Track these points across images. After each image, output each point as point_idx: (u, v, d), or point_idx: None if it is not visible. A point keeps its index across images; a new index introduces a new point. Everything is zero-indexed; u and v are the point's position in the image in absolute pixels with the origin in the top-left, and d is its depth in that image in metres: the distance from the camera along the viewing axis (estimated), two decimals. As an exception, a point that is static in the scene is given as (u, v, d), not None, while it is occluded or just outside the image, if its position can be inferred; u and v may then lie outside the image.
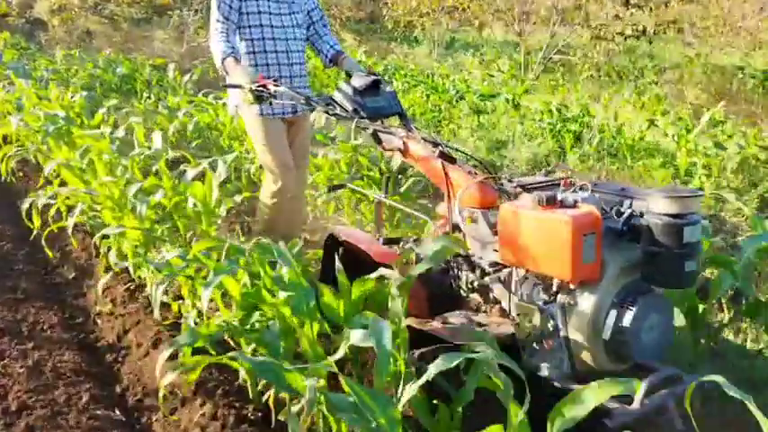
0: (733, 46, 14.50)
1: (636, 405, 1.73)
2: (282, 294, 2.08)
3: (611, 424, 1.66)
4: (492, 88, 7.97)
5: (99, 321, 3.21)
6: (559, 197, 1.90)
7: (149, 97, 7.47)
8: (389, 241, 2.69)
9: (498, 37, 16.90)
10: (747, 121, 7.98)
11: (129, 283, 3.43)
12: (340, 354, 1.84)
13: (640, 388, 1.68)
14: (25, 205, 3.73)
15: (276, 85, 2.83)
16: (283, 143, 3.45)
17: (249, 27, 3.32)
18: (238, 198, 3.55)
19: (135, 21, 18.82)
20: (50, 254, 3.78)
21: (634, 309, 1.83)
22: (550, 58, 12.54)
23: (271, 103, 2.98)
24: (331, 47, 3.52)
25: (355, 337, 1.78)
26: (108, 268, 3.48)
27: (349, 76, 3.18)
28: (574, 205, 1.88)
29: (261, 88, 2.81)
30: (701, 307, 2.53)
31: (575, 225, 1.78)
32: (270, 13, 3.36)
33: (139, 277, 3.39)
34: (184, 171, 3.68)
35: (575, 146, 6.20)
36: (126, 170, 3.66)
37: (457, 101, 7.43)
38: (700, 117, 8.63)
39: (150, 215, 3.24)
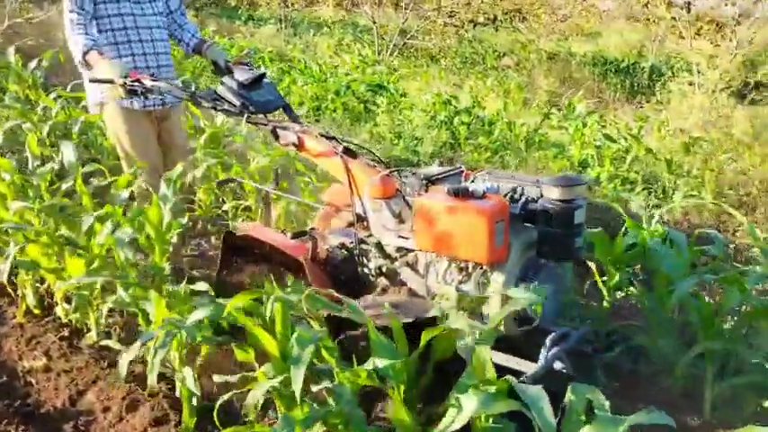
0: (558, 33, 15.78)
1: (541, 362, 2.06)
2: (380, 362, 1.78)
3: (528, 382, 1.80)
4: (371, 77, 7.85)
5: (33, 381, 2.61)
6: (470, 188, 2.10)
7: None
8: (297, 235, 2.65)
9: (339, 17, 16.88)
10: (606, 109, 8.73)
11: (62, 329, 2.88)
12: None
13: (543, 349, 2.05)
14: None
15: (153, 79, 2.74)
16: (150, 141, 3.28)
17: (109, 17, 3.11)
18: (183, 219, 3.06)
19: None
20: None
21: (535, 281, 2.11)
22: (404, 44, 12.72)
23: (147, 98, 2.84)
24: (192, 35, 3.40)
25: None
26: (27, 312, 2.91)
27: (215, 65, 3.14)
28: (483, 196, 2.10)
29: (135, 83, 2.70)
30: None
31: (490, 214, 2.00)
32: (129, 1, 3.17)
33: (80, 323, 2.86)
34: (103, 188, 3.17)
35: (469, 137, 6.32)
36: (37, 192, 3.05)
37: (344, 91, 7.21)
38: (556, 104, 9.36)
39: (98, 250, 2.71)
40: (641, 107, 10.52)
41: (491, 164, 5.77)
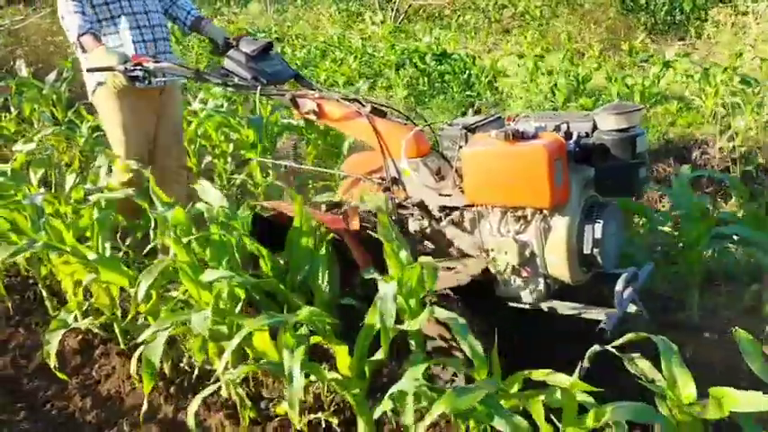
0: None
1: (618, 306, 1.96)
2: None
3: (608, 328, 1.88)
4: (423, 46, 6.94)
5: None
6: (521, 130, 1.93)
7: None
8: (331, 207, 2.58)
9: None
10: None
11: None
12: None
13: (617, 293, 1.95)
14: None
15: (156, 61, 2.59)
16: (141, 127, 3.05)
17: (107, 3, 2.91)
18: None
19: None
20: None
21: (601, 221, 1.96)
22: (410, 6, 11.79)
23: (150, 82, 2.74)
24: (188, 13, 3.20)
25: None
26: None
27: (214, 44, 3.01)
28: (536, 135, 1.94)
29: (137, 67, 2.53)
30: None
31: (548, 152, 1.85)
32: None
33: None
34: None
35: (569, 100, 5.52)
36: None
37: (400, 66, 6.33)
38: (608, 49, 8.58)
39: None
40: (682, 44, 9.79)
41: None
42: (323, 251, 2.20)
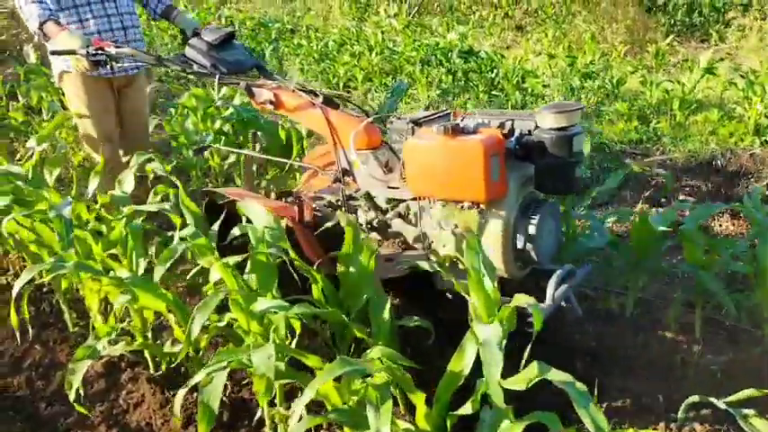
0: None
1: (548, 302, 1.95)
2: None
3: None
4: (446, 41, 6.67)
5: None
6: (461, 125, 1.96)
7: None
8: (281, 195, 2.61)
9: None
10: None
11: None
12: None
13: (549, 286, 1.96)
14: None
15: (117, 47, 2.63)
16: (109, 111, 3.12)
17: None
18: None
19: None
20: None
21: (536, 218, 2.00)
22: (425, -1, 11.48)
23: (112, 68, 2.76)
24: (159, 1, 3.16)
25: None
26: None
27: (183, 33, 3.01)
28: (475, 131, 1.97)
29: (99, 51, 2.57)
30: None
31: (484, 148, 1.86)
32: None
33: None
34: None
35: (600, 104, 5.29)
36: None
37: (426, 64, 6.07)
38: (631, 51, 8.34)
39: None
40: (707, 47, 9.54)
41: (650, 142, 4.76)
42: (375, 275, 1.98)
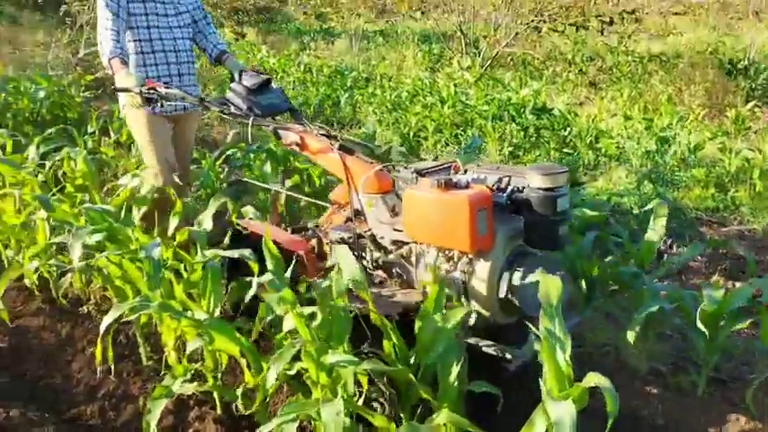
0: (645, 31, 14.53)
1: (526, 347, 2.10)
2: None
3: (512, 367, 2.09)
4: (520, 96, 6.72)
5: None
6: (454, 180, 2.13)
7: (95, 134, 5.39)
8: (295, 230, 2.83)
9: (415, 28, 15.79)
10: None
11: None
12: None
13: (531, 335, 1.98)
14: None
15: (167, 87, 2.87)
16: (166, 141, 3.40)
17: (137, 28, 3.25)
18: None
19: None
20: None
21: (521, 270, 2.10)
22: (498, 52, 11.62)
23: (162, 105, 2.93)
24: (215, 46, 3.52)
25: None
26: None
27: (232, 75, 3.21)
28: (467, 186, 2.13)
29: (150, 91, 2.81)
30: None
31: (471, 203, 2.02)
32: (156, 14, 3.32)
33: None
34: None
35: (677, 170, 5.17)
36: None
37: (498, 119, 6.12)
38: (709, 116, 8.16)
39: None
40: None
41: (727, 210, 4.61)
42: (453, 337, 1.98)
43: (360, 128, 7.65)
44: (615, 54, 12.08)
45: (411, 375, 1.90)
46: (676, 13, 16.84)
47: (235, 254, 2.16)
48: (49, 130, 4.05)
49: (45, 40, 10.33)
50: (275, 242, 2.38)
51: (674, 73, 10.91)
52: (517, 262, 2.13)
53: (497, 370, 2.14)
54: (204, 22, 3.56)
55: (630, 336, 2.46)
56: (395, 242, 2.43)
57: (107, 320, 2.01)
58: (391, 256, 2.42)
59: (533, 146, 6.08)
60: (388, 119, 7.14)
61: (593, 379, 1.63)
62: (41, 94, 5.84)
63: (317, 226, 2.82)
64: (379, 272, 2.50)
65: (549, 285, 1.93)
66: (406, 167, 2.42)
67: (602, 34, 11.07)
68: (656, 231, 2.92)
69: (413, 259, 2.35)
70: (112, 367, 2.70)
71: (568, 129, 5.86)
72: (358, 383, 1.96)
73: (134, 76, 2.92)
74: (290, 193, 3.30)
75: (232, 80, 3.11)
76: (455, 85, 7.20)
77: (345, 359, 1.81)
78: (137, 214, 3.07)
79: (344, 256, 2.14)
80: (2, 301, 2.96)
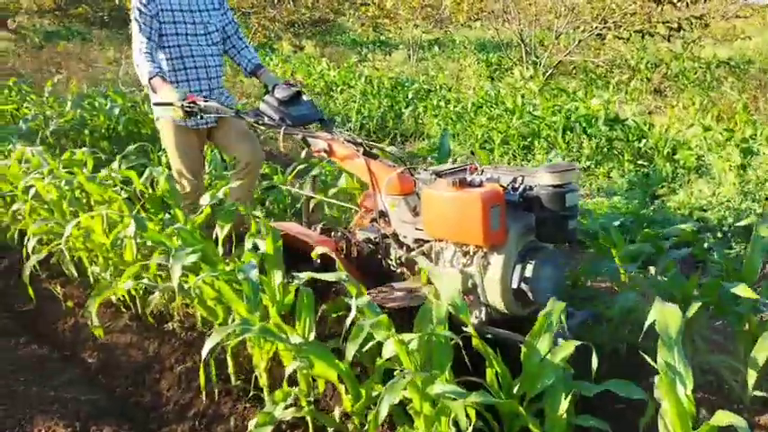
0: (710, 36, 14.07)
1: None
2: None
3: None
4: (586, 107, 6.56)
5: None
6: (468, 179, 2.30)
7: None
8: (325, 231, 3.00)
9: (471, 37, 15.70)
10: None
11: None
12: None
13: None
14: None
15: (205, 100, 3.04)
16: (195, 153, 3.70)
17: (169, 47, 3.50)
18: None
19: (46, 35, 16.00)
20: None
21: (533, 263, 2.25)
22: (560, 62, 11.42)
23: (201, 117, 3.19)
24: (249, 61, 3.74)
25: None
26: None
27: (266, 87, 3.47)
28: (480, 185, 2.29)
29: (191, 104, 2.99)
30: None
31: (483, 200, 2.16)
32: (187, 35, 3.54)
33: None
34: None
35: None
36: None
37: (568, 130, 5.99)
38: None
39: None
40: None
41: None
42: (561, 369, 1.90)
43: (423, 140, 7.61)
44: (681, 60, 11.74)
45: (519, 407, 1.83)
46: (740, 17, 16.24)
47: (332, 277, 2.13)
48: (129, 148, 4.12)
49: (116, 57, 10.67)
50: (304, 242, 2.72)
51: (745, 79, 10.53)
52: (529, 255, 2.28)
53: (603, 404, 2.06)
54: (236, 37, 3.77)
55: (752, 377, 2.23)
56: (416, 240, 2.58)
57: (209, 345, 2.00)
58: (413, 254, 2.57)
59: (606, 158, 5.92)
60: (452, 130, 7.08)
61: (725, 418, 1.53)
62: (116, 110, 6.00)
63: (345, 228, 2.98)
64: (403, 269, 2.67)
65: (667, 315, 1.83)
66: (425, 170, 2.56)
67: (668, 41, 10.73)
68: (757, 250, 2.76)
69: (432, 256, 2.48)
70: (197, 384, 2.74)
71: (643, 140, 5.67)
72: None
73: (175, 91, 3.09)
74: (321, 197, 3.50)
75: (266, 93, 3.24)
76: (522, 97, 7.08)
77: (452, 390, 1.75)
78: (220, 233, 3.09)
79: (444, 279, 2.09)
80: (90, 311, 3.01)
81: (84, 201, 3.82)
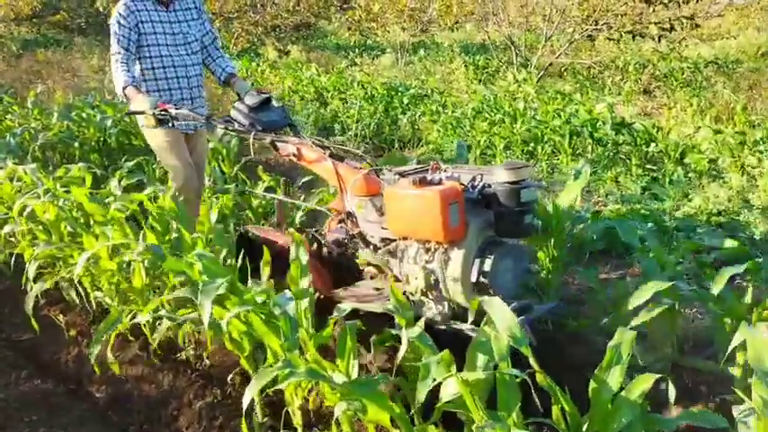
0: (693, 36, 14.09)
1: None
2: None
3: None
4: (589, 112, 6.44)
5: None
6: (428, 177, 2.36)
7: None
8: (296, 232, 2.87)
9: (453, 38, 15.58)
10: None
11: None
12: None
13: None
14: None
15: (177, 108, 3.09)
16: (182, 145, 3.69)
17: (150, 57, 3.56)
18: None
19: (24, 43, 15.56)
20: None
21: (492, 257, 2.30)
22: (551, 64, 11.33)
23: (173, 125, 3.16)
24: (223, 69, 3.78)
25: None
26: None
27: (238, 95, 3.48)
28: (440, 182, 2.35)
29: (163, 112, 3.05)
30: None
31: (442, 196, 2.23)
32: (167, 45, 3.60)
33: None
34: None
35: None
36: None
37: (576, 135, 5.86)
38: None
39: None
40: None
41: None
42: (638, 408, 1.75)
43: (422, 146, 7.45)
44: (668, 61, 11.73)
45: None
46: (721, 16, 16.33)
47: (378, 308, 1.96)
48: (129, 164, 3.91)
49: (100, 65, 10.36)
50: (276, 244, 2.75)
51: (736, 79, 10.52)
52: (488, 250, 2.33)
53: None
54: (213, 47, 3.83)
55: None
56: (383, 239, 2.63)
57: (249, 393, 1.81)
58: (380, 253, 2.61)
59: (612, 162, 5.81)
60: (452, 137, 6.93)
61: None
62: (108, 122, 5.75)
63: (316, 230, 3.00)
64: (371, 268, 2.69)
65: (759, 346, 1.69)
66: (390, 170, 2.61)
67: (658, 41, 10.69)
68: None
69: (398, 254, 2.52)
70: (220, 422, 2.55)
71: (652, 144, 5.56)
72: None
73: (147, 99, 3.14)
74: (292, 200, 3.66)
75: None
76: (525, 100, 6.94)
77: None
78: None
79: (497, 307, 1.93)
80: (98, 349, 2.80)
81: (83, 220, 3.60)
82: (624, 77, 10.95)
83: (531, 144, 6.38)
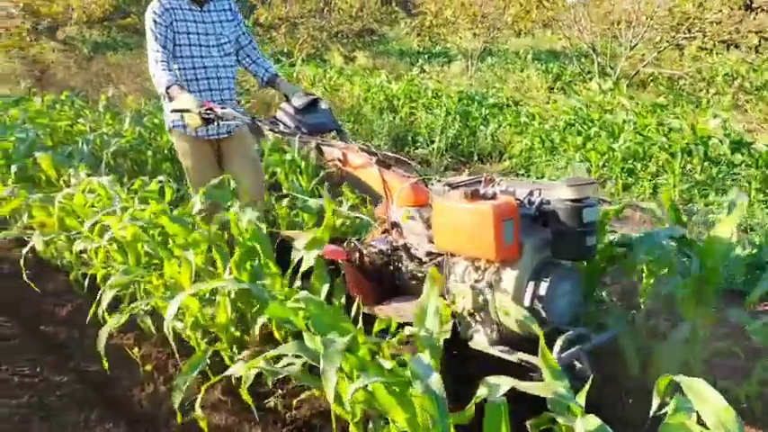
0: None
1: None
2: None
3: (536, 377, 1.99)
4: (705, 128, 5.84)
5: None
6: (481, 191, 2.21)
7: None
8: (334, 240, 2.84)
9: (521, 46, 15.00)
10: None
11: None
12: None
13: (555, 346, 2.08)
14: None
15: (223, 108, 3.03)
16: (210, 162, 3.64)
17: (182, 58, 3.46)
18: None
19: (95, 46, 15.78)
20: None
21: (548, 280, 2.14)
22: (637, 72, 10.67)
23: (218, 124, 3.29)
24: (266, 70, 3.66)
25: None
26: None
27: (285, 96, 3.32)
28: (494, 197, 2.20)
29: (209, 111, 2.97)
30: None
31: (495, 212, 2.07)
32: (200, 45, 3.50)
33: None
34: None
35: None
36: None
37: (687, 153, 5.29)
38: None
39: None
40: None
41: None
42: None
43: (505, 161, 6.98)
44: (758, 72, 10.91)
45: None
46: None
47: (513, 358, 1.96)
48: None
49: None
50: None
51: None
52: (544, 272, 2.16)
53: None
54: (251, 47, 3.70)
55: None
56: (428, 253, 2.49)
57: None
58: (425, 267, 2.48)
59: (727, 186, 5.21)
60: (540, 151, 6.44)
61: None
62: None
63: (359, 239, 2.87)
64: (415, 282, 2.55)
65: None
66: (438, 181, 2.47)
67: (757, 52, 9.92)
68: None
69: (446, 270, 2.36)
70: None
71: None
72: None
73: (193, 98, 3.05)
74: (335, 208, 3.35)
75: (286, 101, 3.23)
76: (626, 113, 6.38)
77: None
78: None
79: (701, 391, 1.48)
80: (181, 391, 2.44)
81: (160, 239, 3.28)
82: (716, 90, 10.23)
83: (631, 161, 5.84)
